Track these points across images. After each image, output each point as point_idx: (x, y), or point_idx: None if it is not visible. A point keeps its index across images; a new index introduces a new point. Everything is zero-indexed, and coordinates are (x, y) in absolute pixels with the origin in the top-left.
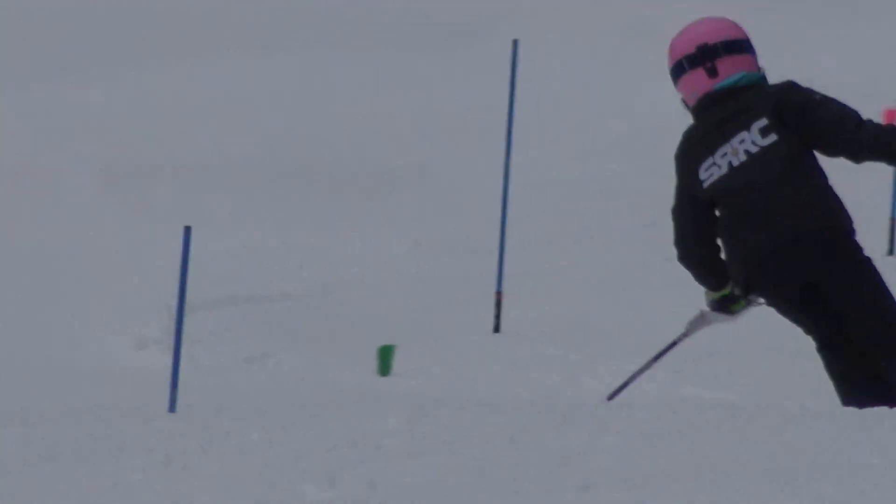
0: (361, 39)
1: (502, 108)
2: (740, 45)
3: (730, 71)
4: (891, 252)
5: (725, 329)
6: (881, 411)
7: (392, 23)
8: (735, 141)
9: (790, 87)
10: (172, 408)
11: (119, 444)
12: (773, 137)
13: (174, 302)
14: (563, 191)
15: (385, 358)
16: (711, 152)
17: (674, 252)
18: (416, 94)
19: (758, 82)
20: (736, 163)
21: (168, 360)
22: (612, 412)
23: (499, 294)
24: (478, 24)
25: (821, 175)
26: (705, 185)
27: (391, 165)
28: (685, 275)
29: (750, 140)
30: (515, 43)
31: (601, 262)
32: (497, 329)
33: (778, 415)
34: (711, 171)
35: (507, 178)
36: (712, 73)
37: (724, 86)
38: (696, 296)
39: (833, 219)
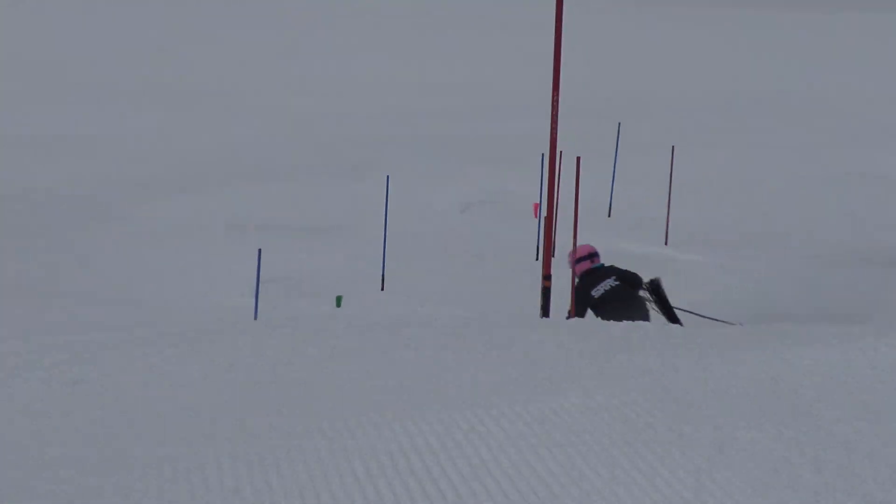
0: None
1: None
2: (598, 254)
3: (596, 261)
4: None
5: None
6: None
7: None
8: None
9: (614, 267)
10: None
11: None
12: (617, 282)
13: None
14: None
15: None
16: (594, 285)
17: None
18: None
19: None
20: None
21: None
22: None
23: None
24: None
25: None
26: (595, 295)
27: None
28: None
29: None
30: None
31: None
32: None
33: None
34: (598, 290)
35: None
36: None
37: (596, 266)
38: None
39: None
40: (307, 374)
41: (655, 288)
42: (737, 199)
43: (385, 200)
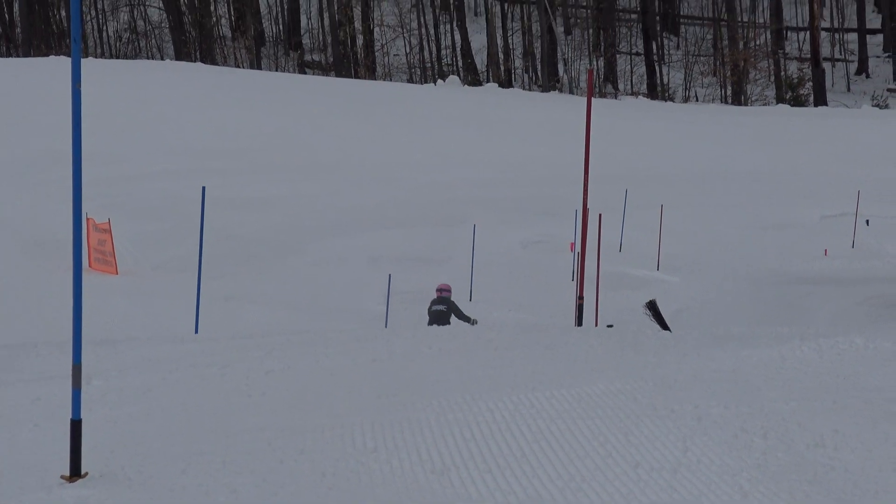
0: None
1: None
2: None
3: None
4: None
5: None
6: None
7: None
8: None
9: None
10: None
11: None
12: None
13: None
14: None
15: None
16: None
17: None
18: None
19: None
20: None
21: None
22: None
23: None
24: None
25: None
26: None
27: None
28: None
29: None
30: None
31: None
32: None
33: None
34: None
35: None
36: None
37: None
38: None
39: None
40: (423, 367)
41: (652, 305)
42: (700, 239)
43: (472, 241)
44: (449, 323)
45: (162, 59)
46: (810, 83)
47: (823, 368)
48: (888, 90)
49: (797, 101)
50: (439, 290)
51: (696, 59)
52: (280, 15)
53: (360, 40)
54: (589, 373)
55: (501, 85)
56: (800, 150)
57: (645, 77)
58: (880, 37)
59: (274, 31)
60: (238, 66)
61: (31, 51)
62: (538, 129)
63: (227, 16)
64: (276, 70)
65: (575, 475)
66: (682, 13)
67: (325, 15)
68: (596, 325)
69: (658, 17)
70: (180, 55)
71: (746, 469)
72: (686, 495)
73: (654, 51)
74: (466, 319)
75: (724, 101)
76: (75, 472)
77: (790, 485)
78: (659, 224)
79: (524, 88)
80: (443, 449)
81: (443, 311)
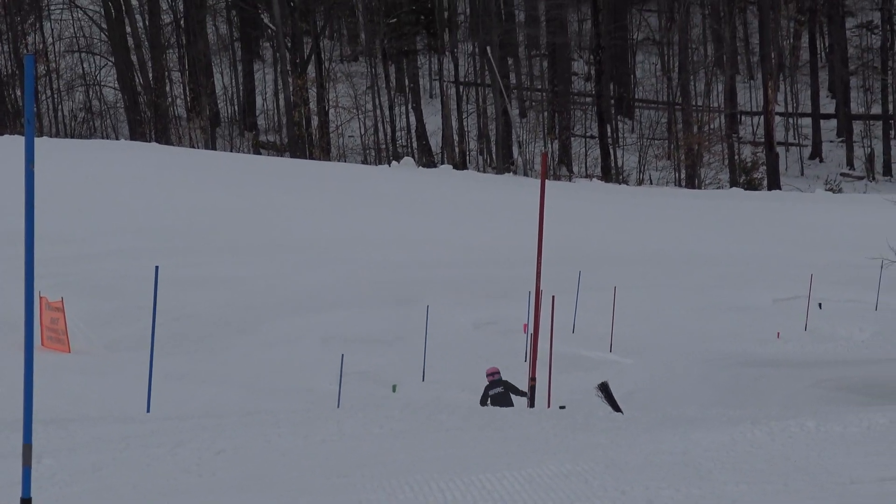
0: None
1: None
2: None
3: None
4: None
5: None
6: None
7: None
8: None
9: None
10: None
11: None
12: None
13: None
14: None
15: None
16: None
17: None
18: None
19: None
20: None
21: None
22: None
23: None
24: None
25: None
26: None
27: None
28: None
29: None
30: None
31: None
32: None
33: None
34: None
35: None
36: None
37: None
38: None
39: None
40: (373, 448)
41: (604, 387)
42: (653, 322)
43: (426, 321)
44: (512, 403)
45: (117, 138)
46: (764, 167)
47: (775, 451)
48: (841, 175)
49: (751, 185)
50: (491, 374)
51: (650, 142)
52: (235, 96)
53: (314, 121)
54: (540, 454)
55: (456, 167)
56: (753, 234)
57: (599, 160)
58: (834, 122)
59: (229, 111)
60: (193, 147)
61: None
62: (492, 211)
63: (182, 96)
64: (231, 150)
65: None
66: (636, 97)
67: (281, 96)
68: (548, 406)
69: (613, 101)
70: (135, 135)
71: None
72: None
73: (609, 134)
74: (524, 394)
75: (678, 184)
76: None
77: None
78: (612, 306)
79: (479, 170)
80: None
81: (502, 392)
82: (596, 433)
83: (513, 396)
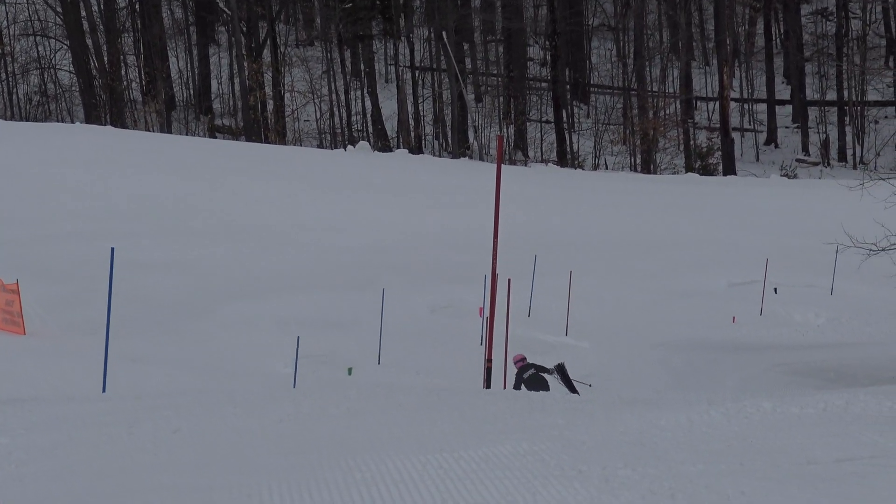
0: None
1: None
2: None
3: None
4: None
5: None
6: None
7: None
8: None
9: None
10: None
11: None
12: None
13: None
14: None
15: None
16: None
17: None
18: None
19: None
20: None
21: (292, 372)
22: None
23: None
24: None
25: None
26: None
27: None
28: None
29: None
30: None
31: None
32: None
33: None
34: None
35: None
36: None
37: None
38: None
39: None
40: (330, 427)
41: (561, 369)
42: (610, 306)
43: (381, 305)
44: (548, 386)
45: (72, 121)
46: (719, 152)
47: (731, 432)
48: (797, 160)
49: (706, 170)
50: (518, 360)
51: (605, 127)
52: (191, 80)
53: (270, 105)
54: (496, 434)
55: (412, 151)
56: (708, 219)
57: (555, 144)
58: (789, 107)
59: (185, 95)
60: (148, 130)
61: None
62: (448, 195)
63: (137, 80)
64: (187, 134)
65: None
66: (592, 82)
67: (236, 80)
68: (504, 388)
69: (568, 86)
70: (90, 118)
71: None
72: None
73: (564, 119)
74: (551, 371)
75: (633, 168)
76: None
77: None
78: (568, 290)
79: (434, 154)
80: None
81: (534, 374)
82: (553, 414)
83: (546, 377)
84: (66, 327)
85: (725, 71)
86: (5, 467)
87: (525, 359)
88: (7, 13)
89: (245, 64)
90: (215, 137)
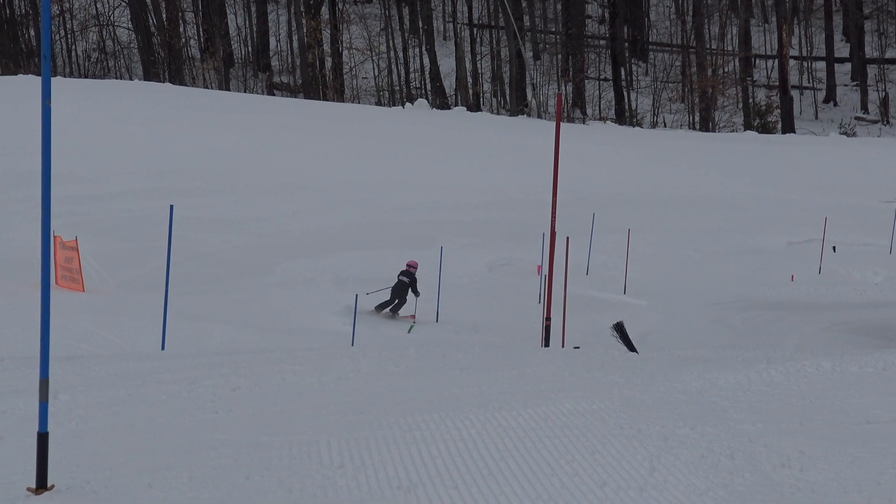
0: None
1: None
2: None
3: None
4: None
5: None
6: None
7: None
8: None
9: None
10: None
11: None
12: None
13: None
14: None
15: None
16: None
17: None
18: None
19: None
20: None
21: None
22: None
23: None
24: None
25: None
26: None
27: None
28: None
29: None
30: None
31: None
32: None
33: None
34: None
35: None
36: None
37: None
38: None
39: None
40: (389, 385)
41: (619, 327)
42: (667, 264)
43: (439, 263)
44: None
45: (131, 79)
46: (778, 110)
47: (790, 391)
48: (856, 118)
49: (765, 129)
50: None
51: (664, 85)
52: (249, 37)
53: (328, 63)
54: (556, 393)
55: (470, 109)
56: (767, 177)
57: (613, 102)
58: (848, 66)
59: (243, 52)
60: (207, 87)
61: None
62: (506, 153)
63: (196, 37)
64: (245, 91)
65: (542, 493)
66: (650, 40)
67: (294, 37)
68: (563, 346)
69: (627, 44)
70: (149, 75)
71: (713, 489)
72: None
73: (623, 77)
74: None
75: (692, 127)
76: (41, 485)
77: None
78: (626, 248)
79: (492, 112)
80: (409, 466)
81: (405, 282)
82: (612, 372)
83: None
84: (125, 284)
85: (784, 28)
86: (65, 424)
87: (415, 268)
88: None
89: (303, 21)
90: (273, 95)
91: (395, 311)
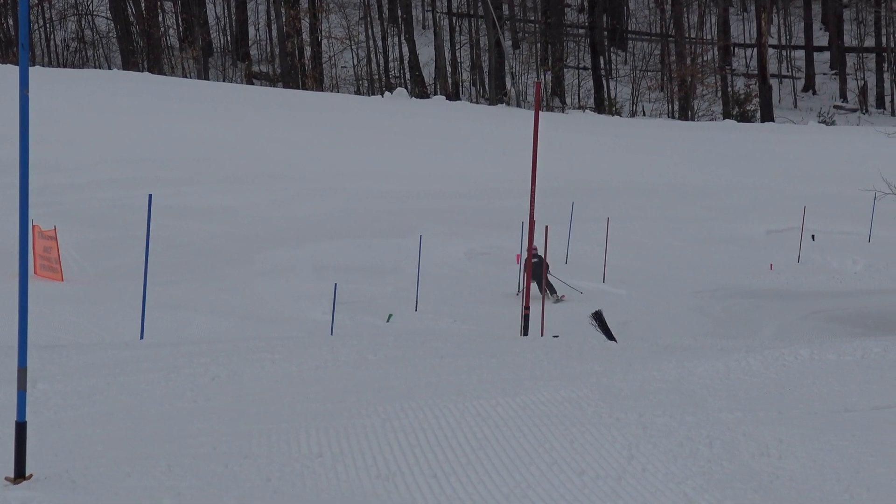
0: None
1: None
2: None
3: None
4: None
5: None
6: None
7: None
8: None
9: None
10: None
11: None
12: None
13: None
14: None
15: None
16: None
17: None
18: None
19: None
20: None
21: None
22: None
23: None
24: None
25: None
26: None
27: None
28: None
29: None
30: None
31: None
32: None
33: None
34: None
35: None
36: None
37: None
38: None
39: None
40: (368, 374)
41: (598, 316)
42: (647, 253)
43: (419, 251)
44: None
45: (109, 68)
46: (757, 99)
47: (769, 379)
48: (834, 107)
49: (744, 117)
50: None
51: (643, 74)
52: (228, 26)
53: (307, 52)
54: (534, 381)
55: (449, 97)
56: (746, 166)
57: (592, 91)
58: (827, 54)
59: (222, 41)
60: (186, 77)
61: None
62: (485, 142)
63: (174, 26)
64: (224, 81)
65: (520, 482)
66: (629, 28)
67: (273, 26)
68: (542, 335)
69: (605, 33)
70: (128, 65)
71: (691, 477)
72: (631, 503)
73: (602, 65)
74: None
75: (671, 115)
76: (20, 474)
77: (735, 493)
78: (605, 237)
79: (471, 101)
80: (388, 455)
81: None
82: (590, 361)
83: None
84: (104, 274)
85: (763, 17)
86: (43, 413)
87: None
88: None
89: (282, 10)
90: (252, 84)
91: (553, 292)
